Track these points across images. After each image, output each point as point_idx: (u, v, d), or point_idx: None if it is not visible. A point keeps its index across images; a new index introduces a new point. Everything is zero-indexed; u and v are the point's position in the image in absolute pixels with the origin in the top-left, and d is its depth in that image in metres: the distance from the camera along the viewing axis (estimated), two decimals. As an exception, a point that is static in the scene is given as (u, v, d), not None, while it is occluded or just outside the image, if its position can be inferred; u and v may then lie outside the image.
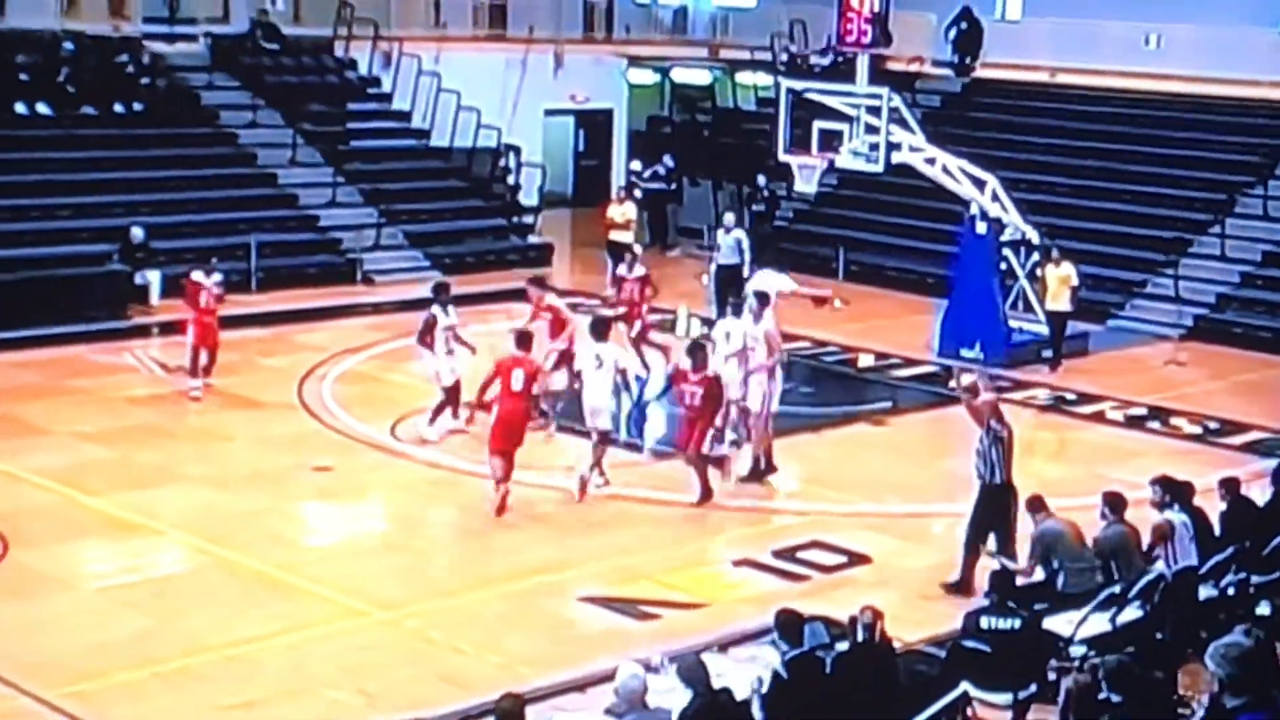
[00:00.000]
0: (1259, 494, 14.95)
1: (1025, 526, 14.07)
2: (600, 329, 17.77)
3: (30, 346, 22.01)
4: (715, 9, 38.68)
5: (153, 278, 24.76)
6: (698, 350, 17.12)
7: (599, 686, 11.25)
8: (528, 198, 32.26)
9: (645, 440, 19.00)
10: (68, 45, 27.91)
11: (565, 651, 13.05)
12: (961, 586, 14.25)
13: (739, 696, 10.33)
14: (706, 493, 16.71)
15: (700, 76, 37.09)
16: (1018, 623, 11.49)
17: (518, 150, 32.48)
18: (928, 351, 23.84)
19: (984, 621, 11.52)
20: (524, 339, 17.29)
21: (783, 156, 23.45)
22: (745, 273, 24.99)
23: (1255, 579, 12.96)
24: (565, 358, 18.95)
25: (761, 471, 17.60)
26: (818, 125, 22.78)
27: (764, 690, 10.39)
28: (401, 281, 26.20)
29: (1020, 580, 12.76)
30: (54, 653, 12.83)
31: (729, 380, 17.42)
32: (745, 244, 25.65)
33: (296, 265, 27.15)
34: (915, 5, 30.19)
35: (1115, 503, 13.60)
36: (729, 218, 26.62)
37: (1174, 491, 13.64)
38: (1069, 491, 15.82)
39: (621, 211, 28.22)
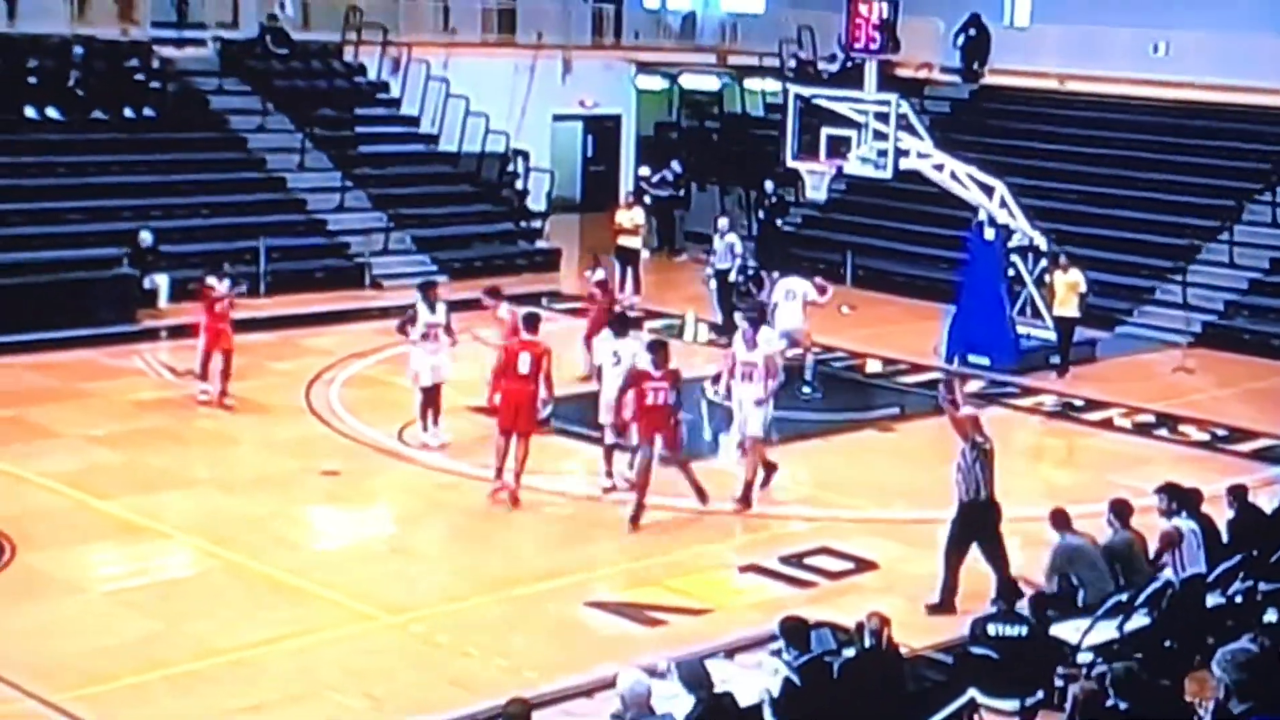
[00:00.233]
0: (1267, 501, 14.94)
1: (1027, 531, 14.07)
2: (620, 325, 17.79)
3: (40, 349, 22.04)
4: (724, 15, 38.71)
5: (161, 281, 24.80)
6: (659, 348, 16.65)
7: (606, 691, 11.21)
8: (536, 203, 32.26)
9: None
10: (77, 50, 27.96)
11: (572, 656, 13.05)
12: (945, 606, 14.07)
13: (746, 702, 10.33)
14: (702, 493, 16.56)
15: (709, 83, 37.13)
16: (1025, 630, 11.49)
17: (526, 155, 32.50)
18: (935, 357, 23.82)
19: (991, 628, 11.52)
20: (531, 321, 17.36)
21: (791, 163, 23.43)
22: (733, 277, 25.15)
23: (1263, 586, 12.92)
24: None
25: (751, 495, 16.93)
26: (826, 131, 22.78)
27: (775, 696, 10.37)
28: (410, 286, 26.02)
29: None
30: (61, 656, 12.83)
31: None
32: (738, 248, 25.75)
33: (305, 269, 27.19)
34: (924, 11, 30.15)
35: (1121, 510, 13.59)
36: (723, 222, 26.75)
37: (1181, 499, 13.62)
38: (1077, 498, 15.77)
39: (630, 217, 28.28)
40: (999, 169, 24.45)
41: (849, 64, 28.75)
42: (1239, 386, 23.18)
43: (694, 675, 10.03)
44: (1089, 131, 30.98)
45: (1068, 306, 23.28)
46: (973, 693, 10.87)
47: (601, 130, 37.02)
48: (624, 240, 27.84)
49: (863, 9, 23.03)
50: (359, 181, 29.45)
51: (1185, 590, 12.53)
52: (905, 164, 22.70)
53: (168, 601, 14.23)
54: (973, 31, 32.76)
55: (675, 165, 33.28)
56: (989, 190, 23.34)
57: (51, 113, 27.43)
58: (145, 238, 25.03)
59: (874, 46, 23.18)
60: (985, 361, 23.28)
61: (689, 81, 37.14)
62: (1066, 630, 12.15)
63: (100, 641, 13.19)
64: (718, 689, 10.08)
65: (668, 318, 25.59)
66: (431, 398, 18.53)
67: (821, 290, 21.75)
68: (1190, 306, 26.00)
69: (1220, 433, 20.56)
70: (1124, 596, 12.50)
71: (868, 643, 11.08)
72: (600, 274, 22.09)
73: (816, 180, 23.28)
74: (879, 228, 30.32)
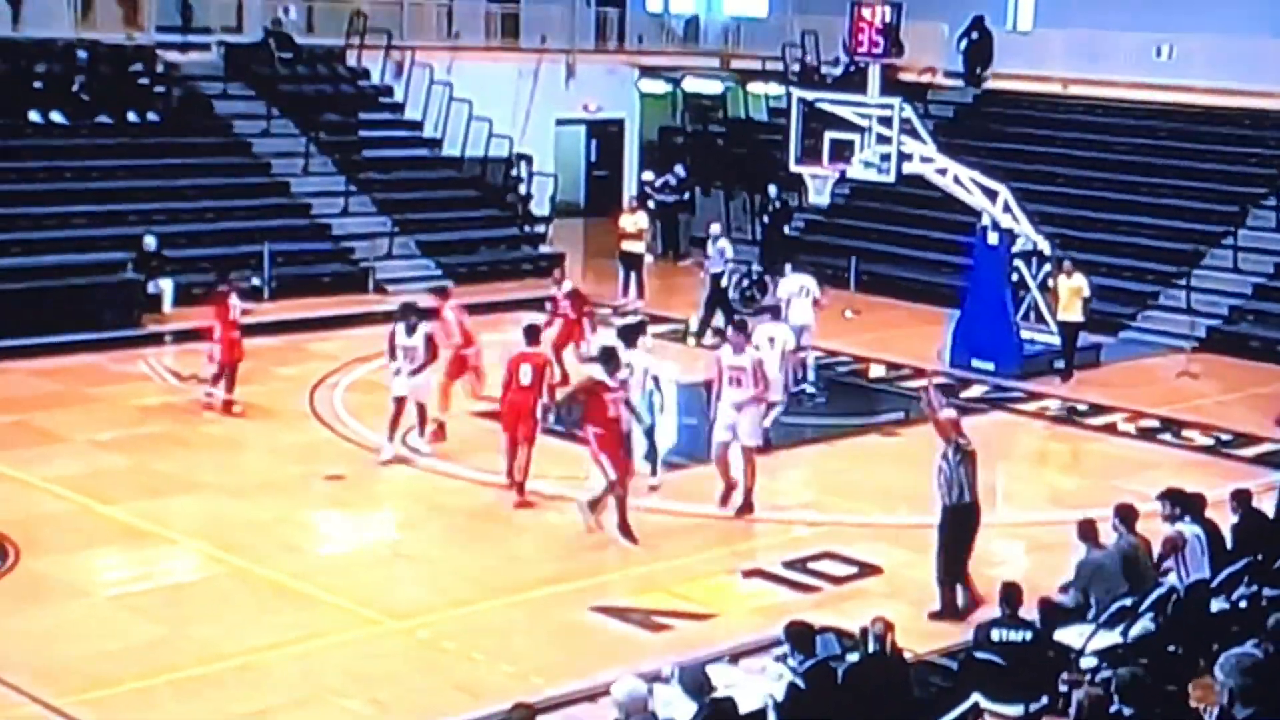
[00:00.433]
0: (1270, 506, 14.95)
1: (1032, 536, 14.07)
2: (630, 336, 17.82)
3: (44, 354, 22.09)
4: (727, 19, 38.75)
5: (166, 286, 24.84)
6: (611, 358, 16.49)
7: (610, 696, 11.26)
8: (539, 207, 32.30)
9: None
10: (82, 54, 27.99)
11: (577, 661, 13.07)
12: (947, 611, 14.11)
13: (750, 707, 10.35)
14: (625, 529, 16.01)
15: (712, 86, 37.18)
16: (1029, 635, 11.50)
17: (530, 160, 32.55)
18: (939, 362, 23.84)
19: (995, 634, 11.52)
20: (531, 332, 17.48)
21: (794, 167, 23.44)
22: (724, 282, 25.25)
23: (1268, 591, 12.93)
24: (459, 365, 19.08)
25: (751, 499, 16.79)
26: (829, 136, 22.79)
27: (780, 700, 10.39)
28: (414, 290, 26.17)
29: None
30: (66, 660, 12.86)
31: (773, 380, 17.59)
32: (729, 252, 25.94)
33: (309, 274, 27.24)
34: (927, 15, 30.18)
35: (1127, 515, 13.58)
36: (714, 228, 26.89)
37: (1184, 504, 13.62)
38: (1081, 503, 15.79)
39: (634, 221, 28.32)
40: (1002, 173, 24.46)
41: (852, 68, 28.82)
42: (1243, 391, 23.19)
43: (695, 681, 10.06)
44: (1092, 136, 31.04)
45: (1071, 311, 23.30)
46: (977, 698, 10.89)
47: (605, 134, 37.06)
48: (627, 245, 27.88)
49: (866, 13, 23.07)
50: (363, 186, 29.49)
51: (1189, 596, 12.53)
52: (909, 168, 22.72)
53: (173, 606, 14.26)
54: (975, 35, 32.80)
55: (679, 169, 33.33)
56: (992, 195, 23.35)
57: (56, 117, 27.48)
58: (149, 242, 25.06)
59: (877, 51, 23.22)
60: (989, 366, 23.30)
61: (692, 85, 37.20)
62: (1071, 636, 12.17)
63: (105, 646, 13.21)
64: (720, 694, 10.11)
65: (672, 322, 25.58)
66: (399, 410, 18.20)
67: (823, 292, 21.99)
68: (1194, 311, 26.01)
69: (1224, 437, 20.58)
70: (1128, 602, 12.51)
71: (872, 648, 11.11)
72: (568, 285, 22.04)
73: (820, 184, 23.30)
74: (883, 232, 30.35)
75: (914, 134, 22.99)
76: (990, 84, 33.12)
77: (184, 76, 29.56)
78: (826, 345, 23.61)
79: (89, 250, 25.40)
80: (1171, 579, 12.95)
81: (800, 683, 10.51)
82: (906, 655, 11.55)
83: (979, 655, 11.48)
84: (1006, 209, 23.36)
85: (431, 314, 19.18)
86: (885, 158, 22.39)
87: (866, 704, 10.56)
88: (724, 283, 25.42)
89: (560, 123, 35.01)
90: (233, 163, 28.95)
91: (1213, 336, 25.75)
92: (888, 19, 22.98)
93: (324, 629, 13.77)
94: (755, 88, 35.78)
